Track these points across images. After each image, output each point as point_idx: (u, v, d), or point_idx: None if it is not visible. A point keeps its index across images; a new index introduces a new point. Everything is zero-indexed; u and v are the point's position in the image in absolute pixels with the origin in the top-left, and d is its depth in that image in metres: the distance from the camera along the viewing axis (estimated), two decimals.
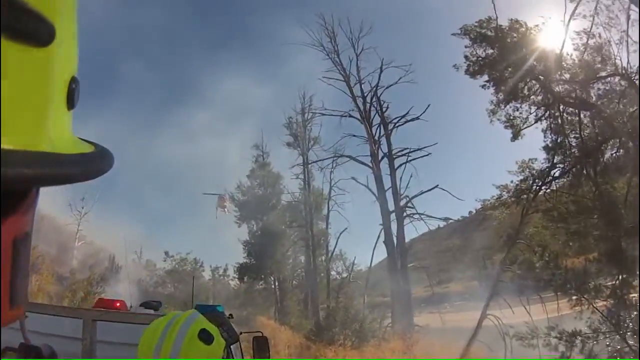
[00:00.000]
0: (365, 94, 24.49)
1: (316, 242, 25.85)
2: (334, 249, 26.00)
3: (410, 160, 23.54)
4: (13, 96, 0.29)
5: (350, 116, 24.36)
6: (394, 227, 23.53)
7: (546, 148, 18.51)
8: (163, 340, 1.29)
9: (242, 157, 28.02)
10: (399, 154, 23.92)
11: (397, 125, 24.14)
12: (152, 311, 3.91)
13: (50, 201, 27.55)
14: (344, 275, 26.70)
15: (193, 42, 39.65)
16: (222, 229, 33.02)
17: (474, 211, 31.08)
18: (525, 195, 18.95)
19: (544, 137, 18.51)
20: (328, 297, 24.98)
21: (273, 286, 27.67)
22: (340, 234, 25.55)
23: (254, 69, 37.72)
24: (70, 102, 0.39)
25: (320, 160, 25.72)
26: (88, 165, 0.38)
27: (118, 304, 4.39)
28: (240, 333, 2.16)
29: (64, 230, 27.86)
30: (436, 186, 22.99)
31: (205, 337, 1.33)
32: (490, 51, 19.02)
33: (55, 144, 0.34)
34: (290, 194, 26.97)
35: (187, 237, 36.33)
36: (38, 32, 0.31)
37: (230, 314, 3.68)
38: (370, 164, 23.77)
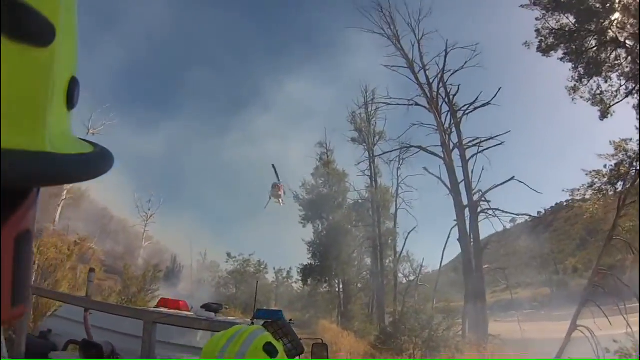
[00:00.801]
0: (431, 80, 23.06)
1: (384, 242, 24.73)
2: (402, 250, 24.73)
3: (482, 151, 21.92)
4: (13, 96, 0.29)
5: (417, 104, 22.97)
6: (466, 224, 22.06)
7: None
8: (226, 348, 1.28)
9: (306, 155, 27.58)
10: (470, 144, 22.25)
11: (466, 112, 22.52)
12: (213, 314, 3.96)
13: (119, 203, 29.58)
14: (411, 277, 25.37)
15: (255, 45, 41.18)
16: (287, 229, 32.62)
17: (554, 205, 28.98)
18: (620, 182, 16.67)
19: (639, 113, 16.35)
20: (395, 301, 23.67)
21: (337, 289, 26.89)
22: (409, 233, 24.25)
23: (315, 68, 38.18)
24: (70, 102, 0.39)
25: (387, 152, 24.36)
26: (88, 165, 0.37)
27: (180, 304, 4.57)
28: (300, 339, 2.13)
29: (131, 231, 29.26)
30: (512, 178, 21.24)
31: (270, 349, 1.30)
32: (565, 21, 17.27)
33: (55, 144, 0.34)
34: (357, 192, 25.94)
35: (251, 238, 37.24)
36: (38, 32, 0.31)
37: (291, 319, 3.70)
38: (441, 154, 22.23)
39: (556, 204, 29.34)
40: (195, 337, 3.28)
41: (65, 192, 25.41)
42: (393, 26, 23.67)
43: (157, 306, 4.63)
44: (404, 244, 24.46)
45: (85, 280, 3.64)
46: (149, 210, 28.29)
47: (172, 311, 3.90)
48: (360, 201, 25.86)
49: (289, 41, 38.97)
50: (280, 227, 34.13)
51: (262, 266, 28.86)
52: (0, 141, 0.28)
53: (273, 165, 22.87)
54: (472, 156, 22.02)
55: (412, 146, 22.97)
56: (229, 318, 4.75)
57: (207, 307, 4.32)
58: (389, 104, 24.29)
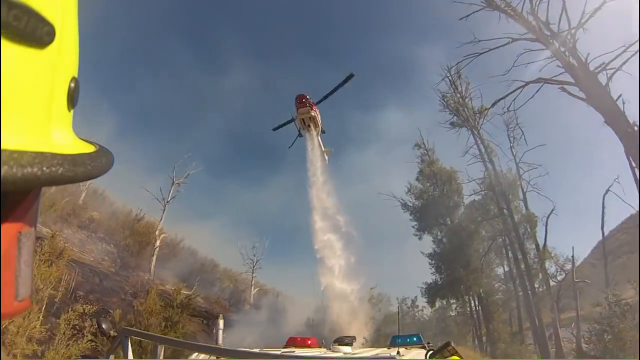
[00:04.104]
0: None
1: (521, 235, 20.78)
2: (545, 241, 20.34)
3: None
4: (13, 96, 0.29)
5: (518, 39, 17.87)
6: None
7: None
8: None
9: (406, 160, 25.27)
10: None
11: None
12: (349, 348, 3.83)
13: (224, 253, 31.49)
14: (559, 276, 20.72)
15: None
16: (401, 247, 30.84)
17: None
18: None
19: None
20: (552, 310, 19.03)
21: (471, 306, 23.46)
22: (548, 217, 20.00)
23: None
24: (71, 102, 0.40)
25: (506, 96, 18.47)
26: (88, 165, 0.38)
27: (309, 342, 4.73)
28: None
29: (239, 279, 28.61)
30: None
31: None
32: None
33: (56, 144, 0.35)
34: (474, 181, 22.53)
35: (369, 268, 34.71)
36: (38, 32, 0.31)
37: (429, 342, 3.89)
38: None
39: None
40: None
41: (158, 241, 24.09)
42: None
43: (286, 345, 4.62)
44: (545, 232, 20.27)
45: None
46: (254, 256, 27.85)
47: (311, 352, 3.88)
48: (480, 194, 22.72)
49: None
50: (394, 249, 35.19)
51: (385, 298, 26.29)
52: (0, 141, 0.28)
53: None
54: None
55: (532, 81, 17.57)
56: (373, 350, 4.42)
57: (340, 341, 4.16)
58: (482, 53, 18.98)
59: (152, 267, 23.59)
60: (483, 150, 21.65)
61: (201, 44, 43.96)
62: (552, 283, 20.62)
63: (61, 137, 0.37)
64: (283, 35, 44.86)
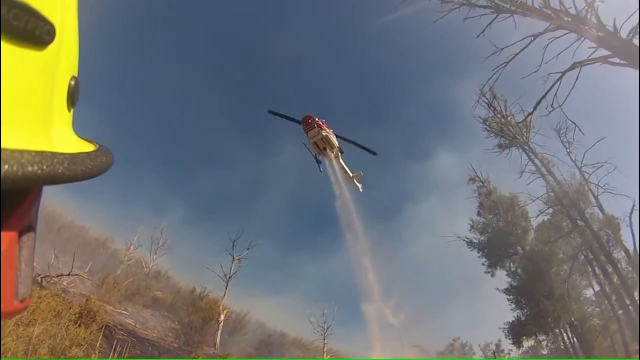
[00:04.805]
0: None
1: (605, 244, 19.25)
2: (634, 243, 18.61)
3: None
4: (13, 96, 0.29)
5: (540, 33, 17.06)
6: None
7: None
8: None
9: (465, 198, 24.84)
10: None
11: None
12: None
13: (293, 325, 29.32)
14: None
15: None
16: (477, 291, 28.70)
17: None
18: None
19: None
20: None
21: (563, 339, 20.98)
22: (630, 215, 18.45)
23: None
24: (71, 101, 0.40)
25: (544, 96, 17.22)
26: (88, 164, 0.38)
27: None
28: None
29: (311, 347, 27.34)
30: None
31: None
32: None
33: (56, 143, 0.35)
34: (539, 199, 21.28)
35: (446, 320, 32.76)
36: (38, 32, 0.31)
37: None
38: None
39: None
40: None
41: (222, 315, 23.57)
42: None
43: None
44: (632, 234, 18.57)
45: None
46: (324, 323, 26.45)
47: None
48: (548, 212, 21.50)
49: None
50: (471, 296, 32.91)
51: (467, 347, 25.60)
52: (1, 141, 0.28)
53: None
54: None
55: (578, 63, 15.95)
56: None
57: None
58: (507, 62, 17.93)
59: (217, 340, 22.69)
60: (539, 164, 21.20)
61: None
62: None
63: (61, 136, 0.38)
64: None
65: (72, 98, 0.40)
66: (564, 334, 20.86)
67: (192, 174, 44.22)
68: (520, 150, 21.64)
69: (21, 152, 0.29)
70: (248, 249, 26.30)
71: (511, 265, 21.97)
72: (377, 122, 49.34)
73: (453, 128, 48.30)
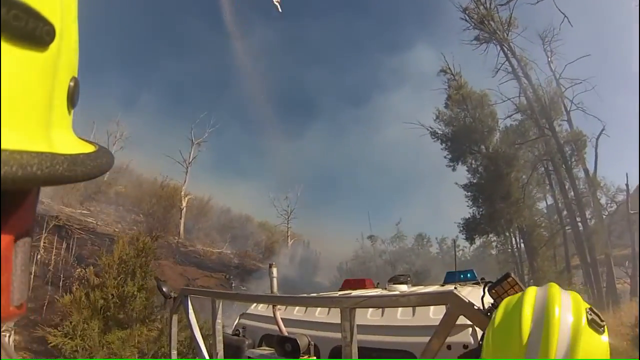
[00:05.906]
0: None
1: (568, 159, 18.22)
2: (596, 165, 17.87)
3: None
4: (13, 97, 0.29)
5: None
6: None
7: None
8: (539, 339, 0.91)
9: (431, 89, 22.50)
10: None
11: None
12: (404, 287, 3.71)
13: (255, 205, 31.28)
14: (609, 208, 18.59)
15: None
16: (440, 182, 30.64)
17: None
18: None
19: None
20: (606, 245, 17.26)
21: (512, 242, 21.72)
22: (598, 138, 17.51)
23: None
24: (71, 102, 0.40)
25: None
26: (88, 165, 0.38)
27: (366, 282, 4.58)
28: None
29: (275, 231, 28.71)
30: None
31: (595, 324, 0.92)
32: None
33: (56, 144, 0.35)
34: (509, 100, 19.74)
35: (404, 213, 33.89)
36: (38, 32, 0.31)
37: (482, 277, 3.54)
38: None
39: None
40: (395, 315, 2.93)
41: (184, 202, 24.34)
42: None
43: (341, 288, 4.52)
44: (595, 157, 17.70)
45: None
46: (288, 207, 27.73)
47: (369, 293, 3.83)
48: (517, 117, 19.97)
49: None
50: (429, 188, 34.04)
51: (425, 239, 26.99)
52: (0, 141, 0.28)
53: None
54: None
55: None
56: (428, 288, 3.96)
57: (395, 279, 4.02)
58: None
59: (181, 228, 23.95)
60: (516, 64, 18.47)
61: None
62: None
63: (61, 137, 0.37)
64: None
65: (72, 99, 0.39)
66: (513, 238, 21.51)
67: (156, 63, 40.92)
68: (499, 47, 18.65)
69: (21, 152, 0.29)
70: (209, 130, 26.22)
71: (473, 162, 21.21)
72: (352, 5, 42.36)
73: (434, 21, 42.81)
